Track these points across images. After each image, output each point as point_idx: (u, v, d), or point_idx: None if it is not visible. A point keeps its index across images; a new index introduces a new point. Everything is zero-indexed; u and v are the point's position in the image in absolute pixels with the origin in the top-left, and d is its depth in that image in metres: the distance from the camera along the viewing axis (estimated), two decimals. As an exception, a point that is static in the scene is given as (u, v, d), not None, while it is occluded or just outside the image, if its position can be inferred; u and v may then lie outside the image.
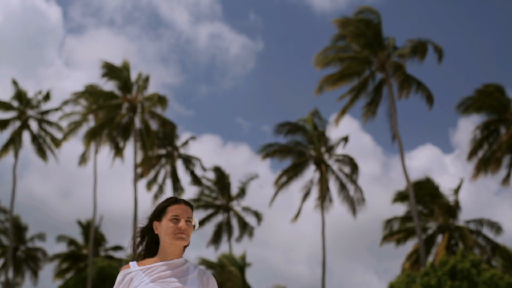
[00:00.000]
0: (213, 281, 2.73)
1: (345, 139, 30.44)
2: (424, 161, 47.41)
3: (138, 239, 2.86)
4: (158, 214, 2.76)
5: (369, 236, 44.17)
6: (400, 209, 40.25)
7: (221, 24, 57.29)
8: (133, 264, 2.70)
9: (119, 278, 2.67)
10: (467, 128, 48.60)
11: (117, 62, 31.95)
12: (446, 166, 48.64)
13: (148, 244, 2.83)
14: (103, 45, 54.39)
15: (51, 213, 48.14)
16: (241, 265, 30.44)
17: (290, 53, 58.53)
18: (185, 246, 2.78)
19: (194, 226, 2.76)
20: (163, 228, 2.71)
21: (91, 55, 55.48)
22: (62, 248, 48.06)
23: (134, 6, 58.39)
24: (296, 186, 31.36)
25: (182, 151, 34.37)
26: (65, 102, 32.25)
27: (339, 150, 30.76)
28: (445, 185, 40.16)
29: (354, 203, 29.70)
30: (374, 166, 46.97)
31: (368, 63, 28.48)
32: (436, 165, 47.20)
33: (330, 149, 30.72)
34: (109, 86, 30.75)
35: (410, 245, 29.69)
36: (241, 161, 50.70)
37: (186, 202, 2.75)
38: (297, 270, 46.60)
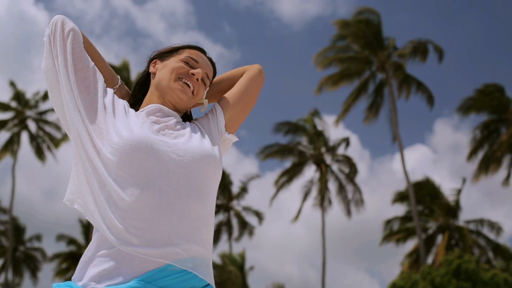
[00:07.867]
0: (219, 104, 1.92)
1: (346, 140, 30.37)
2: (414, 161, 47.22)
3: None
4: (166, 53, 1.88)
5: (360, 237, 44.24)
6: (392, 211, 40.34)
7: (195, 34, 58.05)
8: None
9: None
10: (444, 130, 48.80)
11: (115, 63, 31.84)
12: (437, 166, 48.63)
13: (135, 91, 1.94)
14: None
15: (48, 212, 48.09)
16: (241, 265, 30.43)
17: (266, 60, 59.22)
18: (186, 115, 1.91)
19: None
20: (166, 66, 1.83)
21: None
22: (61, 248, 48.05)
23: (112, 16, 59.09)
24: (290, 187, 31.37)
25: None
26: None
27: (340, 151, 30.74)
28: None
29: (349, 204, 29.63)
30: (361, 168, 47.02)
31: (368, 63, 28.38)
32: (427, 166, 47.03)
33: (330, 150, 30.65)
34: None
35: (409, 245, 29.77)
36: (230, 162, 50.90)
37: (210, 59, 1.93)
38: (289, 271, 46.75)
